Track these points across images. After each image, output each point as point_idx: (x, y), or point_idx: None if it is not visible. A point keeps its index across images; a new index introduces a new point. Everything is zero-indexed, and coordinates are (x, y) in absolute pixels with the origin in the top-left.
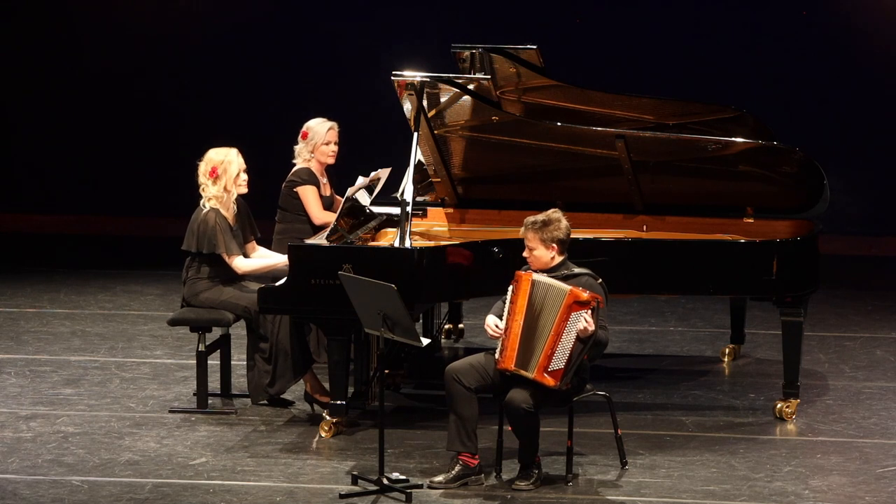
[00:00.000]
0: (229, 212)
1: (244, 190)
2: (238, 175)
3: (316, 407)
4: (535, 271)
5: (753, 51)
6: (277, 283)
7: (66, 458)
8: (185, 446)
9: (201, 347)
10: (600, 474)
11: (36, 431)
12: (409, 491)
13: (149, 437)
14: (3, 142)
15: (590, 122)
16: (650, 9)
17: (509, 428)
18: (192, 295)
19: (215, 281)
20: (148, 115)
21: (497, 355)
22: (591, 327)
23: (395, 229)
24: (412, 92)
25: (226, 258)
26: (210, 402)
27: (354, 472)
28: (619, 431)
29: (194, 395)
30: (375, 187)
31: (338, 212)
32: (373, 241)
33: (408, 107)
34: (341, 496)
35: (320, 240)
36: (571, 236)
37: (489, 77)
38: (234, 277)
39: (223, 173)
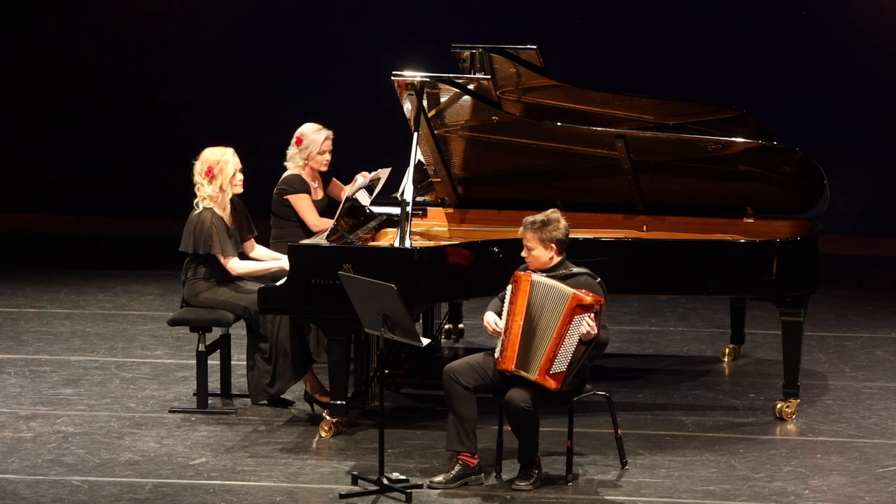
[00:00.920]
0: (225, 211)
1: (239, 190)
2: (234, 175)
3: (316, 407)
4: (534, 271)
5: (753, 51)
6: (277, 283)
7: (66, 458)
8: (185, 446)
9: (201, 347)
10: (600, 474)
11: (36, 431)
12: (409, 491)
13: (149, 437)
14: (4, 142)
15: (590, 122)
16: (650, 9)
17: (509, 428)
18: (192, 295)
19: (214, 281)
20: (148, 115)
21: (496, 356)
22: (594, 331)
23: (395, 229)
24: (412, 92)
25: (221, 259)
26: (210, 402)
27: (354, 472)
28: (619, 431)
29: (194, 395)
30: (375, 187)
31: (338, 212)
32: (373, 241)
33: (408, 107)
34: (341, 496)
35: (320, 240)
36: (571, 236)
37: (489, 77)
38: (232, 277)
39: (219, 173)
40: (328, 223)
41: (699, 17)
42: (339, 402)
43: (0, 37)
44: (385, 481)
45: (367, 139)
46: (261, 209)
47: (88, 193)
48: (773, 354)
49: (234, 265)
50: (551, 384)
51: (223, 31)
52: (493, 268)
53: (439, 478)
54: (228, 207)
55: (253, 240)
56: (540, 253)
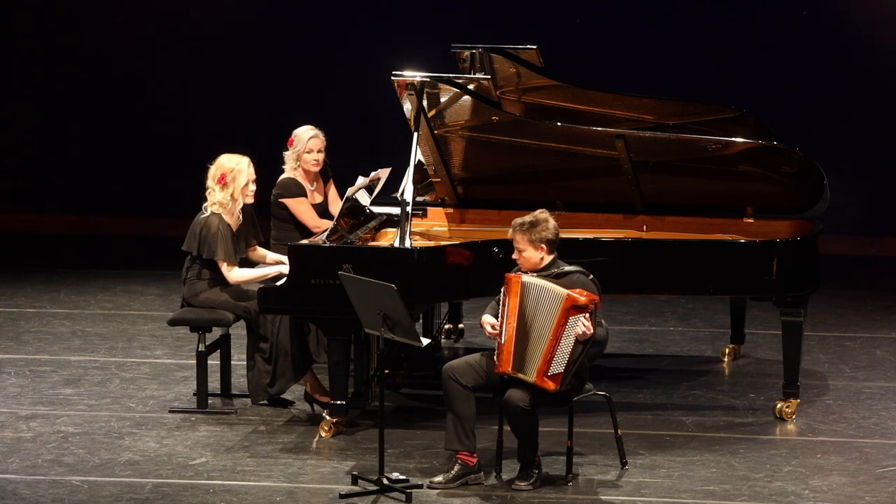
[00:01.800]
0: (233, 218)
1: (250, 200)
2: (246, 185)
3: (316, 407)
4: (525, 272)
5: (754, 51)
6: (278, 283)
7: (66, 458)
8: (185, 446)
9: (201, 347)
10: (600, 474)
11: (36, 431)
12: (408, 491)
13: (149, 437)
14: (4, 142)
15: (590, 122)
16: (650, 8)
17: (509, 428)
18: (192, 295)
19: (215, 281)
20: (148, 115)
21: (495, 359)
22: (590, 331)
23: (395, 229)
24: (412, 92)
25: (221, 266)
26: (210, 402)
27: (354, 472)
28: (619, 431)
29: (194, 395)
30: (375, 187)
31: (338, 212)
32: (373, 241)
33: (408, 107)
34: (341, 496)
35: (320, 240)
36: (571, 237)
37: (489, 77)
38: None
39: (231, 181)
40: (327, 224)
41: (699, 18)
42: (339, 402)
43: (1, 37)
44: (385, 481)
45: (367, 139)
46: (262, 210)
47: (88, 193)
48: (773, 354)
49: (234, 275)
50: (550, 385)
51: (224, 32)
52: (493, 268)
53: (439, 478)
54: (238, 214)
55: (257, 246)
56: (530, 254)
